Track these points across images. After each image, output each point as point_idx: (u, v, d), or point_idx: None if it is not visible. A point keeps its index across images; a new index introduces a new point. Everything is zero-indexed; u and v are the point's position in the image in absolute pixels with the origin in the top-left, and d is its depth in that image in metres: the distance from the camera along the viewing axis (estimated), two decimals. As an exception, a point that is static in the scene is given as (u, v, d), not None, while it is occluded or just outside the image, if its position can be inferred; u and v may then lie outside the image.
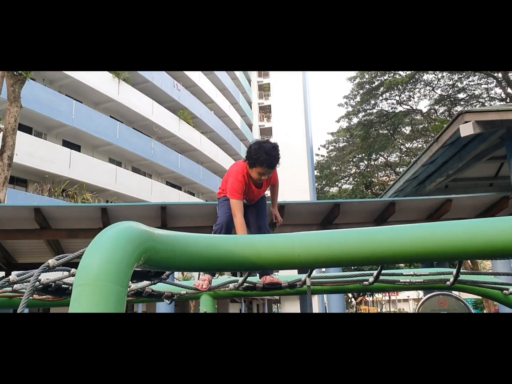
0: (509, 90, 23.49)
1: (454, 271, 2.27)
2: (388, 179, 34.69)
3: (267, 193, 3.02)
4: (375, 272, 2.42)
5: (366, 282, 2.58)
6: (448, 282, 2.52)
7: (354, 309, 39.95)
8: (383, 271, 2.49)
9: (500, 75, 23.41)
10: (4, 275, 8.48)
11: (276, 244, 1.87)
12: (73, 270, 2.08)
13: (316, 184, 39.93)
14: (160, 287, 2.80)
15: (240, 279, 2.53)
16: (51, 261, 1.76)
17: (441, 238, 1.72)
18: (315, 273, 2.67)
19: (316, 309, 12.96)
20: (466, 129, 5.33)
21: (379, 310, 45.63)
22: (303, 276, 2.53)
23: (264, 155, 2.60)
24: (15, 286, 2.60)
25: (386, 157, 33.64)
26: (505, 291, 2.64)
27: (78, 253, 1.69)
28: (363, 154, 32.32)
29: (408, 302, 55.18)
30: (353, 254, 1.82)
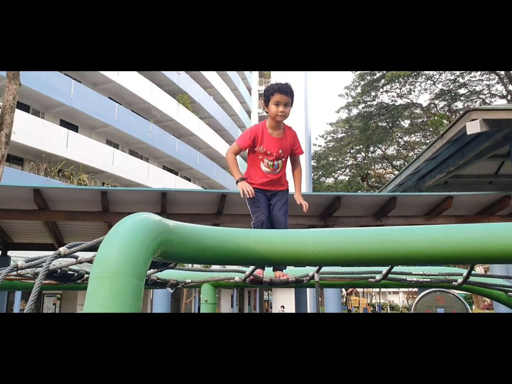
0: (510, 87, 23.47)
1: (464, 272, 2.26)
2: (384, 171, 34.76)
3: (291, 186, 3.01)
4: (384, 270, 2.41)
5: (373, 280, 2.57)
6: (455, 283, 2.52)
7: (345, 299, 40.34)
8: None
9: (502, 72, 23.37)
10: (0, 254, 8.44)
11: (289, 240, 1.85)
12: (80, 257, 2.05)
13: (312, 174, 39.88)
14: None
15: (247, 272, 2.51)
16: (63, 249, 1.73)
17: (458, 241, 1.71)
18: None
19: (308, 300, 13.03)
20: (473, 127, 5.31)
21: (369, 301, 46.06)
22: (310, 271, 2.52)
23: (275, 85, 2.84)
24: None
25: (383, 149, 33.66)
26: (510, 293, 2.65)
27: (91, 242, 1.66)
28: (361, 146, 32.33)
29: (398, 294, 55.71)
30: (368, 253, 1.80)
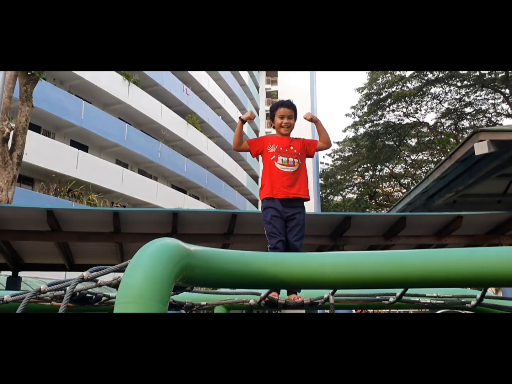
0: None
1: (478, 294, 2.28)
2: (392, 190, 34.65)
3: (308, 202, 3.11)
4: (397, 292, 2.43)
5: (386, 302, 2.59)
6: (468, 305, 2.53)
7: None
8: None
9: (507, 91, 23.44)
10: (11, 274, 8.49)
11: (306, 263, 1.88)
12: (100, 280, 2.09)
13: (320, 192, 39.74)
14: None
15: (262, 294, 2.54)
16: (86, 274, 1.77)
17: (473, 264, 1.73)
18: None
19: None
20: (481, 148, 5.34)
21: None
22: (325, 293, 2.54)
23: (278, 102, 3.25)
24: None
25: (391, 168, 33.61)
26: (524, 315, 2.64)
27: (114, 267, 1.71)
28: (368, 164, 32.31)
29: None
30: (384, 276, 1.83)
